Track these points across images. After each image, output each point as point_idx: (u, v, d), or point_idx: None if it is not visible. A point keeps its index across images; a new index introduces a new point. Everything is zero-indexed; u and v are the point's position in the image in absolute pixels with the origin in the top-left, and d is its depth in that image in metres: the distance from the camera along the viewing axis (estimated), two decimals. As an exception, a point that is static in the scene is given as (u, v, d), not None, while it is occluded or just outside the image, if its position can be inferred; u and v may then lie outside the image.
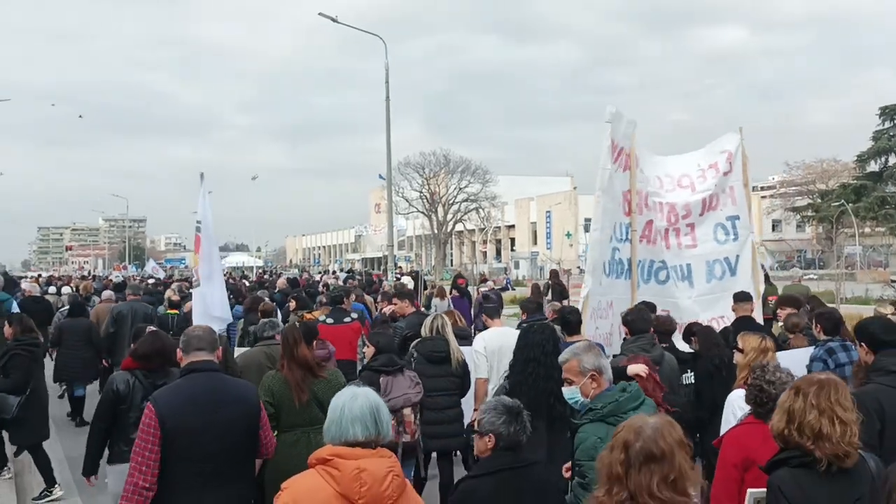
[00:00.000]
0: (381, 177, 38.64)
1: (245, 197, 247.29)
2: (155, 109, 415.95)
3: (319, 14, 28.82)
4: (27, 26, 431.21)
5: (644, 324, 6.19)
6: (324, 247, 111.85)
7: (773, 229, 79.55)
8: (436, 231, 67.81)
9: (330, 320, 8.37)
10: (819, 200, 67.25)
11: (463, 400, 6.61)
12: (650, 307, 7.11)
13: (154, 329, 6.03)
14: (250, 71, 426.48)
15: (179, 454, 3.82)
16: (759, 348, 4.92)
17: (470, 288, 18.66)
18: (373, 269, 58.32)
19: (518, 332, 6.26)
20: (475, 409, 6.08)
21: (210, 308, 7.72)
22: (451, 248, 78.96)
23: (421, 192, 66.78)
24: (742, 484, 3.49)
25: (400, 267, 42.36)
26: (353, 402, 2.96)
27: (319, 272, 51.13)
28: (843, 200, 52.01)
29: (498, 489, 3.27)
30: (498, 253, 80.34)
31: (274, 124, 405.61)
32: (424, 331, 6.94)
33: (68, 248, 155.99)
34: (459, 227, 70.84)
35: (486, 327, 7.46)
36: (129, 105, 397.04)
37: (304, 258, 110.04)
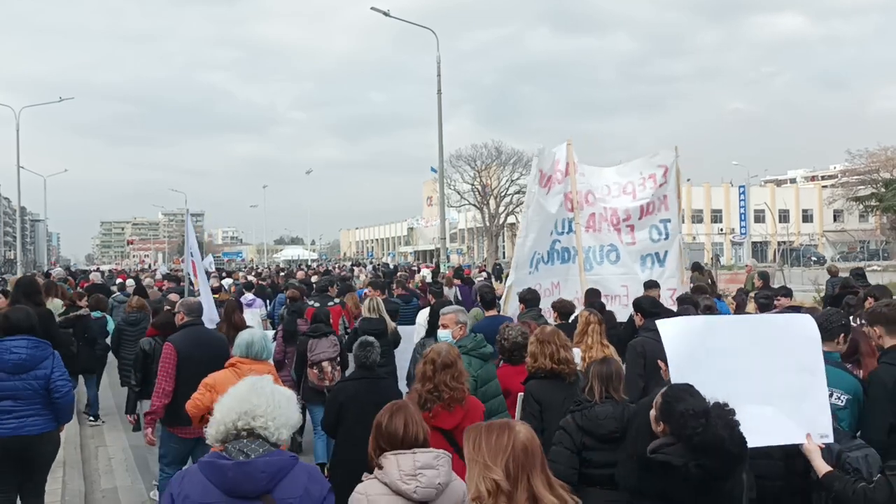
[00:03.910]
0: (433, 170, 38.87)
1: (300, 191, 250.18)
2: (215, 107, 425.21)
3: (372, 8, 28.94)
4: (93, 28, 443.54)
5: (535, 302, 8.47)
6: (377, 239, 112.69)
7: (835, 220, 77.39)
8: (488, 224, 67.78)
9: (317, 304, 10.51)
10: (883, 190, 65.14)
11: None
12: (595, 293, 8.95)
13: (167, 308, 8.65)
14: (307, 68, 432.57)
15: (183, 372, 6.39)
16: (584, 321, 6.97)
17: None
18: (418, 262, 58.59)
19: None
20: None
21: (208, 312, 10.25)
22: (504, 241, 78.83)
23: (473, 184, 66.73)
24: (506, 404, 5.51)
25: (417, 261, 43.98)
26: (249, 337, 5.80)
27: (354, 264, 52.40)
28: (908, 189, 50.35)
29: (357, 387, 5.47)
30: (551, 245, 79.78)
31: (329, 120, 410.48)
32: (364, 311, 9.07)
33: (129, 243, 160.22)
34: (511, 219, 70.65)
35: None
36: (190, 103, 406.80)
37: (357, 251, 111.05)
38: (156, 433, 6.79)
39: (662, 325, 4.28)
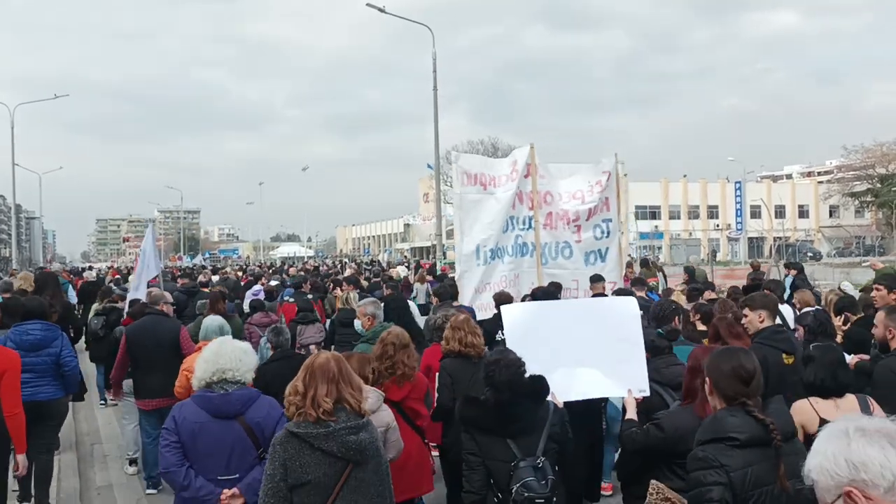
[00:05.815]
0: (429, 166, 38.75)
1: (296, 188, 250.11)
2: (211, 104, 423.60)
3: (368, 5, 28.91)
4: (88, 25, 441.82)
5: (447, 296, 9.60)
6: (373, 236, 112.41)
7: (831, 215, 77.51)
8: (484, 220, 67.73)
9: (291, 299, 11.45)
10: (879, 185, 65.31)
11: None
12: (557, 286, 9.79)
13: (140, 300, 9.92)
14: (303, 65, 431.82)
15: (137, 356, 7.75)
16: None
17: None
18: (416, 259, 58.53)
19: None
20: None
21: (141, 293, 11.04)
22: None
23: (469, 181, 66.61)
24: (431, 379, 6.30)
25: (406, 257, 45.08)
26: (220, 322, 6.86)
27: (340, 261, 52.78)
28: (903, 185, 50.34)
29: (278, 366, 6.23)
30: (547, 241, 79.68)
31: (326, 117, 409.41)
32: (340, 303, 10.15)
33: (125, 240, 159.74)
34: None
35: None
36: (186, 100, 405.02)
37: (354, 248, 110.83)
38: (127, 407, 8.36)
39: (505, 309, 5.46)
